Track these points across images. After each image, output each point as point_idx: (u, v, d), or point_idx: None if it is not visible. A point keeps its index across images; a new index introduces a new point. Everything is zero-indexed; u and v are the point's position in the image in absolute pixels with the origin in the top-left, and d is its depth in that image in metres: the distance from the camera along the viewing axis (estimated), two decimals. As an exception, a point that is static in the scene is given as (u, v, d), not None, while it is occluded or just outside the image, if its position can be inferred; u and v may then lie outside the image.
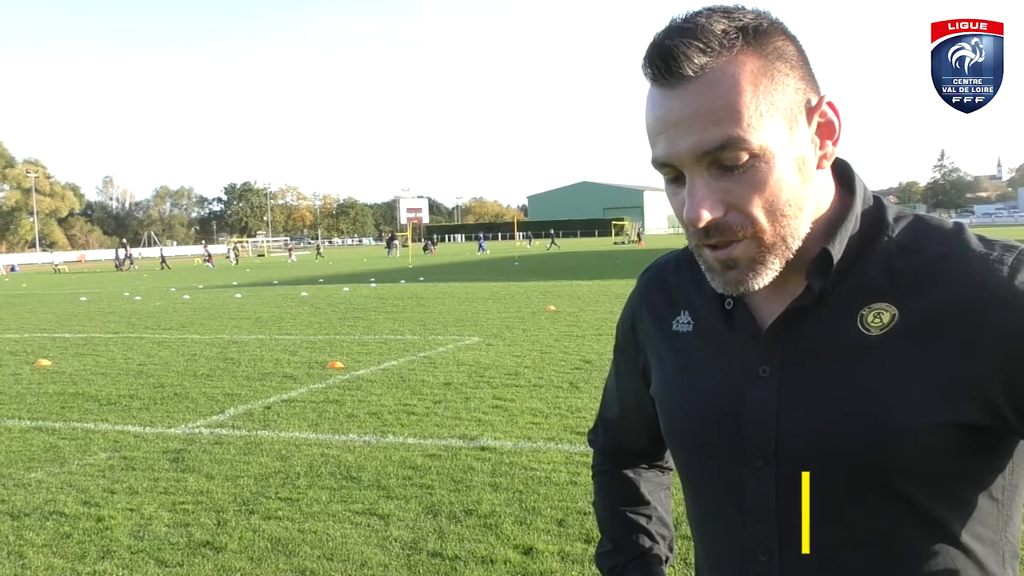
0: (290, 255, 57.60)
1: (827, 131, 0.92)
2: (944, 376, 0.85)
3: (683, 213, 0.89)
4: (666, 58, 0.84)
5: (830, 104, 0.91)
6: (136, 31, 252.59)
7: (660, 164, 0.90)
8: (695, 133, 0.85)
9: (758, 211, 0.87)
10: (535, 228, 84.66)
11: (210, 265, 47.14)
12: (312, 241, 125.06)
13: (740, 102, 0.84)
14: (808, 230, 0.91)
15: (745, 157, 0.85)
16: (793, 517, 0.91)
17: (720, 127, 0.84)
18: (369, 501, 4.86)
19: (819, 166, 0.91)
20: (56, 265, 55.15)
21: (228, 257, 56.51)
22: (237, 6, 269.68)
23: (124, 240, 62.28)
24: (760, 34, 0.86)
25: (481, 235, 79.22)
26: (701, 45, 0.84)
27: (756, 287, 0.90)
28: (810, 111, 0.90)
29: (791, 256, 0.90)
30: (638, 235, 79.56)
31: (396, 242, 55.57)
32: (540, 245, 65.06)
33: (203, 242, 58.25)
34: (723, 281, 0.91)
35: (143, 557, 4.16)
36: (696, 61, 0.83)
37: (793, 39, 0.90)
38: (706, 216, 0.86)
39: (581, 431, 6.14)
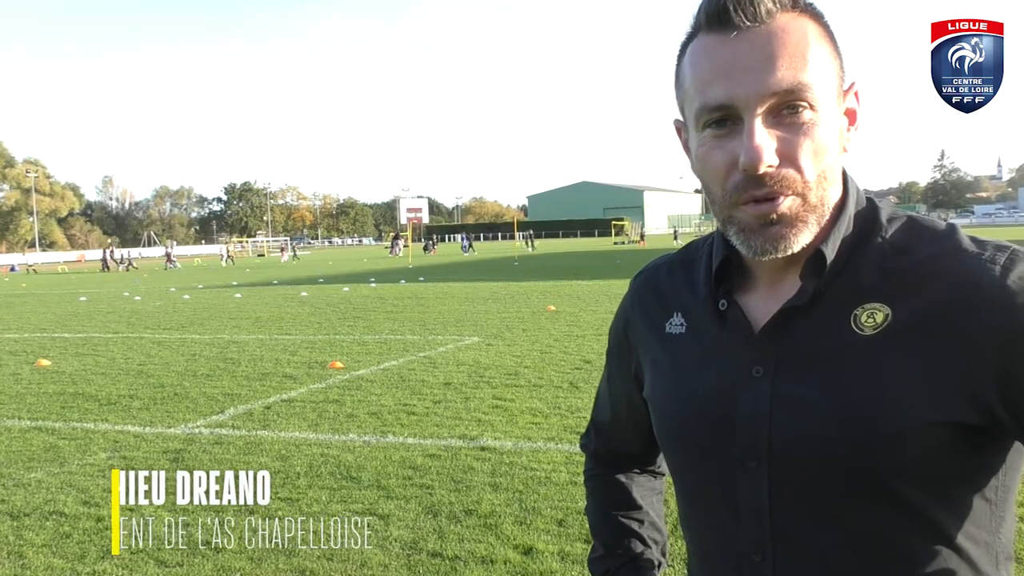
0: (282, 255, 58.97)
1: (850, 118, 0.94)
2: (937, 376, 0.85)
3: (724, 164, 0.88)
4: (742, 1, 0.86)
5: (856, 93, 0.94)
6: (136, 31, 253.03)
7: (713, 108, 0.87)
8: (767, 73, 0.85)
9: (809, 167, 0.87)
10: (535, 228, 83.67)
11: (170, 266, 48.62)
12: (311, 242, 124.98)
13: (809, 53, 0.86)
14: (831, 210, 0.91)
15: (805, 108, 0.86)
16: (786, 517, 0.91)
17: (791, 71, 0.85)
18: (369, 501, 4.86)
19: (843, 148, 0.93)
20: (30, 266, 55.50)
21: (222, 256, 56.79)
22: (237, 6, 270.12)
23: (110, 240, 62.54)
24: (817, 12, 0.90)
25: (465, 235, 71.76)
26: None
27: (796, 247, 0.89)
28: (843, 92, 0.92)
29: (822, 225, 0.91)
30: (640, 235, 79.46)
31: (400, 242, 55.54)
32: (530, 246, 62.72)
33: (167, 244, 59.05)
34: (763, 239, 0.88)
35: (143, 557, 4.16)
36: (771, 7, 0.86)
37: None
38: (766, 160, 0.85)
39: (581, 431, 6.09)
